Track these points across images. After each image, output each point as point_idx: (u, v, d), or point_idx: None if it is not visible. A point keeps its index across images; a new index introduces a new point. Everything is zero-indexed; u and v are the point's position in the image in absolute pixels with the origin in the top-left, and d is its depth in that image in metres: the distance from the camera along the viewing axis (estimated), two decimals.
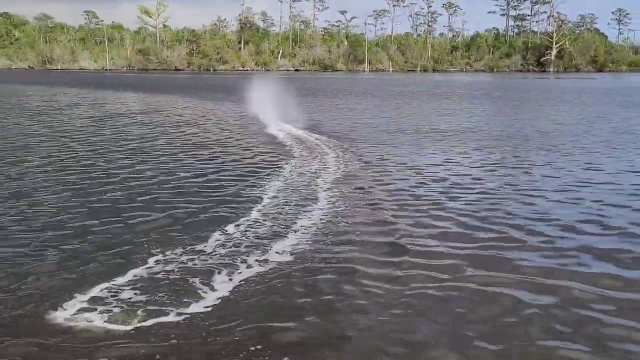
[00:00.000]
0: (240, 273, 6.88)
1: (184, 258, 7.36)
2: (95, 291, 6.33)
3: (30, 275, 6.79)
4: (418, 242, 8.11)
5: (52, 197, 10.63)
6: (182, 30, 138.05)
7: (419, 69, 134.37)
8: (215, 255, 7.49)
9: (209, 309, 5.95)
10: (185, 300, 6.14)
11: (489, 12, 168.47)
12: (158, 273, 6.86)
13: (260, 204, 10.17)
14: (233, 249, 7.74)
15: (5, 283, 6.54)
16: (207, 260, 7.28)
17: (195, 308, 5.96)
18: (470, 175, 12.94)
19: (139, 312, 5.84)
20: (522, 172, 13.29)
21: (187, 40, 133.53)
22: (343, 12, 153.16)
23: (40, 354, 5.11)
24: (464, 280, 6.70)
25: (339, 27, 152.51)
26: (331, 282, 6.66)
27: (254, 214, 9.47)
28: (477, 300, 6.18)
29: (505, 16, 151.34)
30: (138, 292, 6.33)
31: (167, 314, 5.80)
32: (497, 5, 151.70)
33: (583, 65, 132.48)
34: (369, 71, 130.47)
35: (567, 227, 8.88)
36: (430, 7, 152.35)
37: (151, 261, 7.26)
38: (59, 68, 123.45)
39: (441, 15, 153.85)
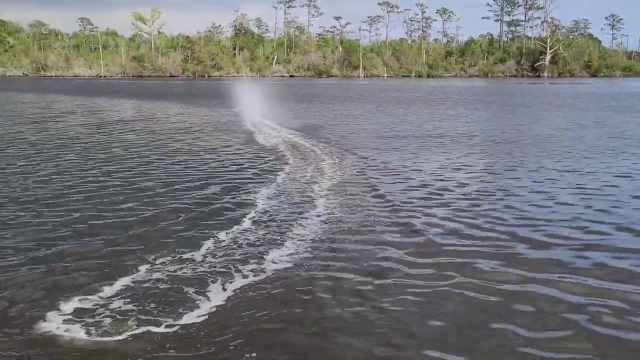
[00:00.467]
0: (235, 282, 6.78)
1: (176, 266, 7.25)
2: (84, 301, 6.22)
3: (15, 284, 6.67)
4: (417, 248, 8.04)
5: (43, 204, 10.50)
6: (176, 36, 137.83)
7: (413, 74, 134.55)
8: (209, 263, 7.38)
9: (203, 319, 5.85)
10: (178, 310, 6.04)
11: (483, 18, 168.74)
12: (149, 282, 6.75)
13: (255, 211, 10.06)
14: (227, 257, 7.64)
15: None
16: (200, 269, 7.17)
17: (188, 318, 5.86)
18: (467, 180, 12.88)
19: (129, 322, 5.73)
20: (520, 176, 13.24)
21: (181, 47, 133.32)
22: (337, 18, 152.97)
23: None
24: (462, 286, 6.63)
25: (333, 32, 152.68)
26: (328, 291, 6.55)
27: (249, 222, 9.36)
28: (483, 304, 6.12)
29: (499, 21, 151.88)
30: (128, 301, 6.22)
31: (158, 324, 5.70)
32: (490, 10, 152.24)
33: (577, 70, 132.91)
34: (364, 76, 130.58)
35: (571, 228, 8.91)
36: (424, 12, 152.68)
37: (142, 269, 7.16)
38: (53, 75, 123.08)
39: (435, 20, 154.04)
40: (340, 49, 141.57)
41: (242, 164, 15.06)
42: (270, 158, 16.10)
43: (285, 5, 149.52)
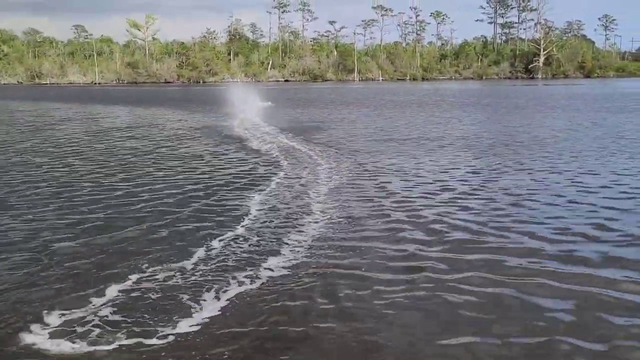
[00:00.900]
0: (229, 290, 6.68)
1: (168, 275, 7.14)
2: (74, 310, 6.11)
3: (3, 293, 6.57)
4: (417, 252, 7.95)
5: (32, 211, 10.39)
6: (171, 42, 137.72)
7: (408, 78, 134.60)
8: (202, 271, 7.28)
9: (197, 329, 5.75)
10: (171, 319, 5.93)
11: (477, 20, 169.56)
12: (140, 291, 6.65)
13: (249, 217, 9.96)
14: (220, 264, 7.54)
15: None
16: (193, 277, 7.07)
17: (182, 328, 5.76)
18: (466, 182, 12.82)
19: (120, 333, 5.63)
20: (517, 178, 13.18)
21: (176, 53, 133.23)
22: (332, 22, 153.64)
23: None
24: (463, 291, 6.57)
25: (328, 37, 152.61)
26: (326, 299, 6.45)
27: (242, 229, 9.25)
28: (478, 305, 6.06)
29: (493, 24, 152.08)
30: (118, 311, 6.12)
31: (150, 334, 5.61)
32: (484, 13, 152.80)
33: (571, 71, 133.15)
34: (359, 80, 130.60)
35: (569, 231, 8.87)
36: (418, 15, 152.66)
37: (133, 278, 7.05)
38: (48, 82, 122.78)
39: (429, 23, 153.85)
40: (335, 53, 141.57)
41: (237, 170, 14.98)
42: (265, 163, 16.03)
43: (279, 10, 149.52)
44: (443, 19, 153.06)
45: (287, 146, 19.71)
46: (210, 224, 9.55)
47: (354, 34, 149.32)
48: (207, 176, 14.12)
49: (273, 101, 48.43)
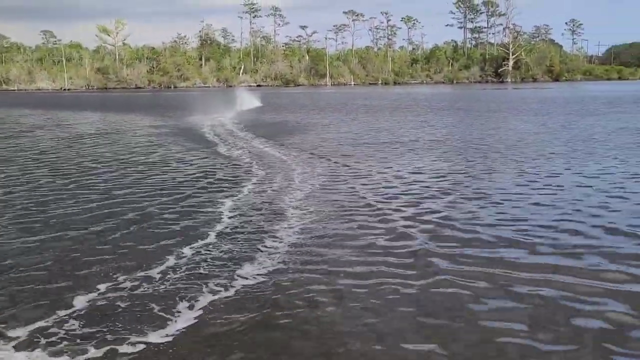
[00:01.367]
0: (203, 298, 6.47)
1: (138, 284, 6.91)
2: (39, 322, 5.86)
3: None
4: (393, 254, 7.85)
5: None
6: (141, 47, 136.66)
7: (380, 82, 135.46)
8: (173, 279, 7.05)
9: (170, 339, 5.55)
10: (142, 329, 5.72)
11: (447, 25, 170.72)
12: (109, 301, 6.41)
13: (221, 224, 9.73)
14: (193, 272, 7.32)
15: None
16: (165, 286, 6.84)
17: (154, 338, 5.54)
18: (440, 184, 12.76)
19: (90, 344, 5.40)
20: (491, 180, 13.19)
21: (146, 58, 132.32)
22: (303, 27, 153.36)
23: None
24: (438, 292, 6.49)
25: (299, 41, 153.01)
26: (303, 306, 6.28)
27: (214, 235, 9.01)
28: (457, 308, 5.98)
29: (463, 29, 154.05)
30: (87, 322, 5.89)
31: (121, 345, 5.38)
32: (454, 18, 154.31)
33: (539, 75, 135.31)
34: (331, 85, 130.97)
35: (539, 230, 8.88)
36: (389, 20, 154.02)
37: (102, 288, 6.80)
38: (16, 89, 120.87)
39: (400, 28, 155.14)
40: (307, 57, 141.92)
41: (208, 176, 14.76)
42: (237, 169, 15.83)
43: (250, 15, 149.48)
44: (414, 23, 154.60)
45: (260, 151, 19.55)
46: (180, 231, 9.32)
47: (326, 38, 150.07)
48: (178, 182, 13.88)
49: (246, 106, 48.28)
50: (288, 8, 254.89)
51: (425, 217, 9.97)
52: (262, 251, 8.17)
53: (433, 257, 7.80)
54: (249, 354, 5.29)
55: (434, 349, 5.34)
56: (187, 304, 6.33)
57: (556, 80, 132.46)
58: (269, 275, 7.20)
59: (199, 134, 26.08)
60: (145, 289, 6.75)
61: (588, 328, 5.69)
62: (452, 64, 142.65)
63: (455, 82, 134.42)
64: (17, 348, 5.38)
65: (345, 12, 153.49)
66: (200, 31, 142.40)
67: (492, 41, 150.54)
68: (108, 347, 5.37)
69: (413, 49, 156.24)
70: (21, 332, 5.67)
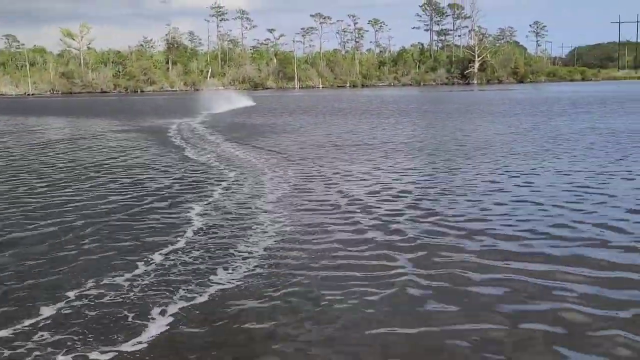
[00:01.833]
0: (177, 305, 6.33)
1: (108, 291, 6.76)
2: (3, 332, 5.69)
3: None
4: (370, 257, 7.83)
5: None
6: (106, 51, 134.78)
7: (348, 85, 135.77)
8: (144, 286, 6.91)
9: (141, 346, 5.43)
10: (113, 338, 5.59)
11: (413, 28, 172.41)
12: (79, 309, 6.26)
13: (191, 229, 9.60)
14: (164, 278, 7.19)
15: None
16: (135, 293, 6.70)
17: (126, 347, 5.42)
18: (411, 185, 12.82)
19: (59, 354, 5.26)
20: (463, 179, 13.30)
21: (112, 62, 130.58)
22: (271, 30, 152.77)
23: None
24: (415, 292, 6.49)
25: (267, 45, 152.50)
26: (280, 311, 6.21)
27: (187, 241, 8.89)
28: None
29: (429, 31, 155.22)
30: (57, 330, 5.73)
31: (92, 355, 5.26)
32: (420, 20, 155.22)
33: (504, 77, 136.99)
34: (299, 88, 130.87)
35: (505, 228, 9.00)
36: (357, 23, 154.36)
37: (71, 295, 6.64)
38: None
39: (367, 31, 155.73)
40: (275, 61, 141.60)
41: (177, 180, 14.58)
42: (207, 173, 15.67)
43: (217, 19, 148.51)
44: (381, 26, 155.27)
45: (231, 155, 19.41)
46: (150, 237, 9.14)
47: (294, 41, 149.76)
48: (146, 188, 13.67)
49: (215, 109, 47.95)
50: (255, 10, 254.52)
51: (399, 217, 10.01)
52: (235, 256, 8.08)
53: (407, 256, 7.82)
54: None
55: (405, 349, 5.33)
56: (158, 311, 6.22)
57: (521, 81, 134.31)
58: (241, 280, 7.12)
59: (168, 138, 25.80)
60: (115, 297, 6.62)
61: (543, 323, 5.75)
62: (419, 66, 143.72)
63: (422, 84, 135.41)
64: None
65: (312, 15, 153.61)
66: (166, 34, 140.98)
67: (458, 43, 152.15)
68: (78, 356, 5.24)
69: (380, 51, 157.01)
70: None
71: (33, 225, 10.03)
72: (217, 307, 6.33)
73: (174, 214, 10.78)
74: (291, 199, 11.94)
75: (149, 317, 6.08)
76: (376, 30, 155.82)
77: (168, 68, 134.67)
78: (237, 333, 5.72)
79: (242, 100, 57.69)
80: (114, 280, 7.15)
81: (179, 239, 9.00)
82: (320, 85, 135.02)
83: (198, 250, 8.35)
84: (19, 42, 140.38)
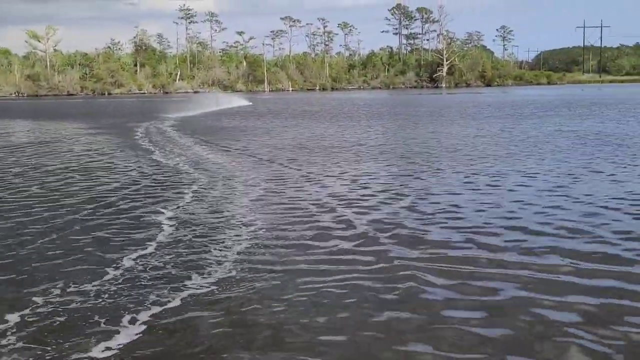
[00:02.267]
0: (148, 311, 6.16)
1: (77, 297, 6.55)
2: None
3: None
4: (344, 258, 7.77)
5: None
6: (73, 53, 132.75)
7: (317, 88, 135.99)
8: (113, 292, 6.71)
9: (112, 352, 5.27)
10: (82, 345, 5.41)
11: (382, 31, 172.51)
12: (46, 315, 6.06)
13: (162, 233, 9.38)
14: (137, 283, 7.00)
15: None
16: (104, 299, 6.50)
17: (95, 354, 5.26)
18: (382, 187, 12.81)
19: None
20: (436, 181, 13.34)
21: (79, 64, 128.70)
22: (240, 33, 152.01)
23: None
24: (387, 293, 6.45)
25: (237, 47, 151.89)
26: (256, 315, 6.09)
27: (154, 245, 8.66)
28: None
29: (398, 35, 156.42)
30: (22, 338, 5.54)
31: (57, 359, 5.13)
32: (389, 24, 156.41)
33: (472, 80, 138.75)
34: (269, 91, 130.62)
35: (477, 226, 9.14)
36: (326, 26, 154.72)
37: (39, 301, 6.44)
38: None
39: (337, 34, 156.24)
40: (245, 63, 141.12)
41: (145, 184, 14.31)
42: (177, 176, 15.44)
43: (186, 21, 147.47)
44: (350, 29, 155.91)
45: (201, 158, 19.20)
46: (119, 242, 8.89)
47: (263, 44, 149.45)
48: (114, 192, 13.37)
49: (184, 112, 47.55)
50: (224, 13, 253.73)
51: (370, 218, 10.00)
52: (208, 260, 7.92)
53: (389, 256, 7.79)
54: None
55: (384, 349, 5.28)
56: (129, 317, 6.05)
57: (488, 85, 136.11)
58: (216, 284, 6.98)
59: (137, 141, 25.44)
60: (85, 303, 6.42)
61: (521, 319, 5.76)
62: (388, 70, 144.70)
63: (391, 87, 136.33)
64: None
65: (282, 18, 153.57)
66: (134, 37, 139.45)
67: (427, 47, 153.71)
68: None
69: (350, 54, 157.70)
70: None
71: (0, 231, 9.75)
72: (189, 312, 6.19)
73: (143, 218, 10.55)
74: (264, 201, 11.82)
75: (120, 323, 5.91)
76: (346, 34, 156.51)
77: (136, 70, 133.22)
78: (210, 338, 5.59)
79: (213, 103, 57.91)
80: (82, 286, 6.94)
81: (149, 243, 8.79)
82: (290, 88, 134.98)
83: (169, 255, 8.17)
84: None
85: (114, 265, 7.74)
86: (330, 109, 52.30)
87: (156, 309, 6.26)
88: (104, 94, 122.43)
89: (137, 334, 5.67)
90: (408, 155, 18.67)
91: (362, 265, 7.65)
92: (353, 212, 10.62)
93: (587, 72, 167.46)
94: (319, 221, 10.01)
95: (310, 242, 8.73)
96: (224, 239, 9.03)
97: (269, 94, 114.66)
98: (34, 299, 6.54)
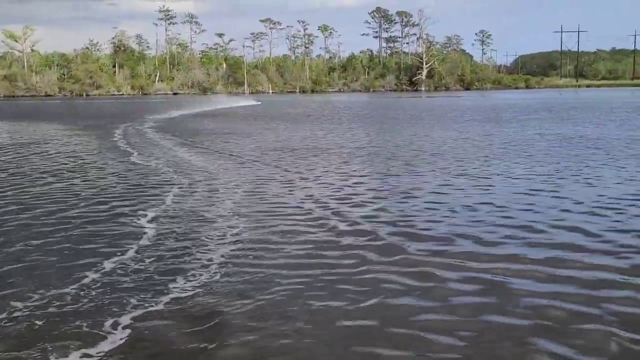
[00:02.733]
0: (131, 316, 6.03)
1: (57, 302, 6.39)
2: None
3: None
4: (324, 262, 7.68)
5: None
6: (51, 54, 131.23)
7: (297, 90, 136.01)
8: (93, 296, 6.56)
9: (95, 358, 5.18)
10: (64, 349, 5.28)
11: (362, 34, 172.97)
12: (24, 321, 5.91)
13: (143, 236, 9.22)
14: (119, 287, 6.86)
15: None
16: (85, 304, 6.35)
17: (75, 358, 5.15)
18: (364, 188, 12.80)
19: None
20: (422, 182, 13.33)
21: (57, 65, 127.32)
22: (220, 35, 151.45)
23: None
24: (372, 292, 6.39)
25: (216, 49, 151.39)
26: (242, 318, 5.99)
27: (135, 249, 8.50)
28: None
29: (378, 38, 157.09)
30: (2, 343, 5.40)
31: None
32: (369, 27, 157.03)
33: (451, 84, 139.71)
34: (249, 93, 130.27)
35: (471, 228, 9.05)
36: (306, 29, 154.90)
37: (18, 305, 6.28)
38: None
39: (317, 37, 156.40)
40: (225, 65, 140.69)
41: (125, 187, 14.07)
42: (157, 179, 15.23)
43: (166, 22, 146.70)
44: (330, 32, 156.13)
45: (182, 160, 19.00)
46: (99, 246, 8.69)
47: (243, 46, 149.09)
48: (94, 194, 13.14)
49: (163, 114, 47.24)
50: (204, 15, 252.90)
51: (354, 218, 9.98)
52: (190, 263, 7.80)
53: (370, 257, 7.74)
54: None
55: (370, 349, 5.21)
56: (111, 321, 5.92)
57: (467, 89, 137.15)
58: (200, 287, 6.87)
59: (116, 143, 25.15)
60: (64, 307, 6.27)
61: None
62: (368, 73, 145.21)
63: (371, 90, 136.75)
64: None
65: (262, 21, 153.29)
66: (113, 37, 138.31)
67: (407, 50, 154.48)
68: None
69: (330, 57, 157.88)
70: None
71: None
72: (173, 316, 6.07)
73: (124, 221, 10.36)
74: (247, 203, 11.71)
75: (102, 327, 5.78)
76: (326, 37, 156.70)
77: (115, 72, 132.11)
78: (194, 342, 5.49)
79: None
80: (61, 290, 6.78)
81: (130, 247, 8.63)
82: (270, 91, 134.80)
83: (151, 258, 8.03)
84: None
85: (94, 269, 7.57)
86: (311, 111, 52.27)
87: (138, 312, 6.14)
88: (82, 95, 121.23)
89: (120, 339, 5.55)
90: (391, 158, 18.69)
91: (344, 268, 7.59)
92: (334, 214, 10.60)
93: (564, 76, 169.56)
94: (301, 223, 9.94)
95: (293, 244, 8.66)
96: (207, 241, 8.90)
97: (248, 96, 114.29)
98: (12, 303, 6.38)
